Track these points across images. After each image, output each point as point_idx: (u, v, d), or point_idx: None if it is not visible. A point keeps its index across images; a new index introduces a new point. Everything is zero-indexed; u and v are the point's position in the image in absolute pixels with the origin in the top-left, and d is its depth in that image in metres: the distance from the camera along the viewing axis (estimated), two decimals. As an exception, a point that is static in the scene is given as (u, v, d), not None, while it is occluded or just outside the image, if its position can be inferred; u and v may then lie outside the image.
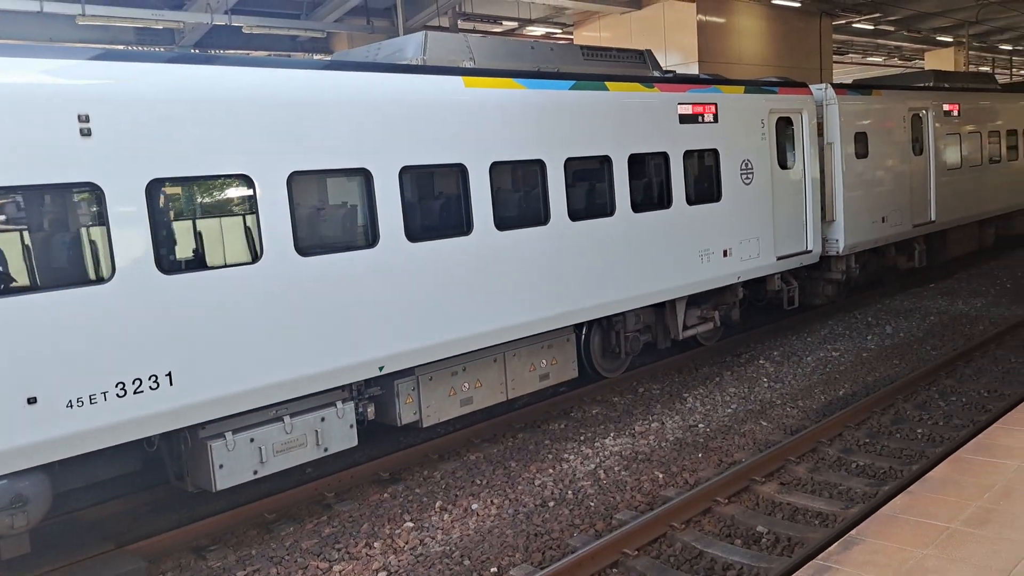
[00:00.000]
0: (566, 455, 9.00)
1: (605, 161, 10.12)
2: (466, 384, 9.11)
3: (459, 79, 8.76)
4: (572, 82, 9.87)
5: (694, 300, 11.84)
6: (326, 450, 7.81)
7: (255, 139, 7.15)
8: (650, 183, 10.87)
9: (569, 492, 8.05)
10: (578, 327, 10.44)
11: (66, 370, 6.13)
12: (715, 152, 11.66)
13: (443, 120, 8.49)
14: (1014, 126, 19.94)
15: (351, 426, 7.99)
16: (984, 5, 25.86)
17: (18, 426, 5.94)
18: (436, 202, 8.82)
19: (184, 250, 6.93)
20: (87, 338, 6.22)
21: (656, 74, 11.33)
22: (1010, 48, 39.81)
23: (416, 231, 8.32)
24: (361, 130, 7.85)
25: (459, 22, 21.70)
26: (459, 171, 8.67)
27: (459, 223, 8.70)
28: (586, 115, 9.91)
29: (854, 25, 28.32)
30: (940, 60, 37.19)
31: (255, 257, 7.18)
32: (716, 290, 12.05)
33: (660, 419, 9.99)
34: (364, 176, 7.91)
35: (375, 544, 7.22)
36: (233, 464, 7.16)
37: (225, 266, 7.05)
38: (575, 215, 9.78)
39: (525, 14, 24.49)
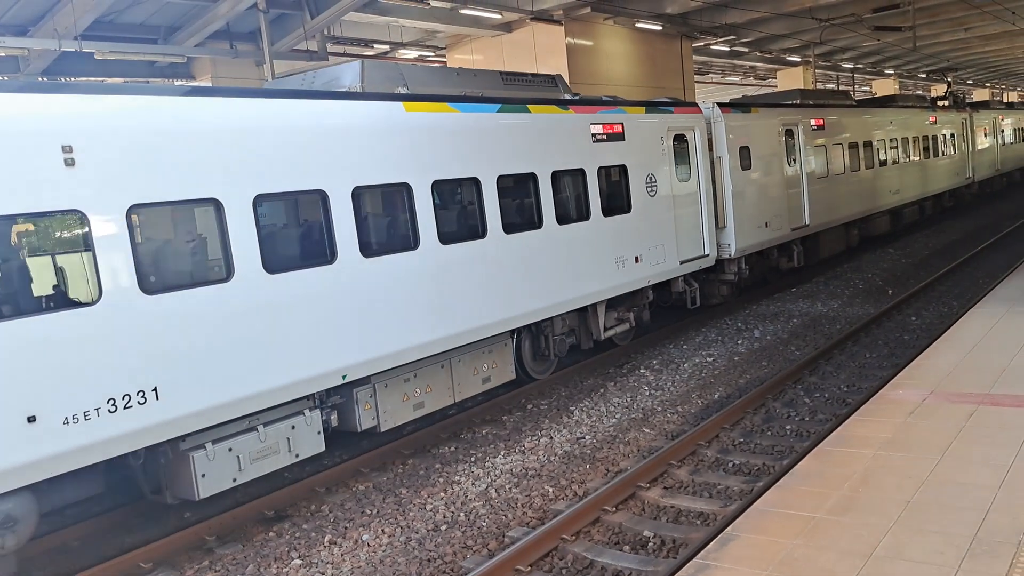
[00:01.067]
0: (457, 477, 9.00)
1: (531, 178, 10.93)
2: (418, 389, 9.64)
3: (400, 104, 9.36)
4: (499, 105, 10.65)
5: (611, 304, 12.76)
6: (297, 456, 8.27)
7: (225, 165, 7.59)
8: (570, 197, 11.73)
9: (461, 514, 8.05)
10: (513, 332, 11.05)
11: (62, 388, 6.40)
12: (624, 168, 12.63)
13: (388, 142, 9.08)
14: (868, 138, 22.07)
15: (318, 432, 8.47)
16: (827, 27, 27.87)
17: (18, 444, 6.18)
18: (385, 219, 9.42)
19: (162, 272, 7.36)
20: (80, 357, 6.50)
21: (567, 96, 12.10)
22: (851, 66, 43.01)
23: (369, 247, 8.83)
24: (317, 154, 8.34)
25: (328, 46, 21.45)
26: (405, 189, 9.20)
27: (407, 239, 9.26)
28: (513, 135, 10.71)
29: (712, 47, 29.90)
30: (791, 78, 39.80)
31: (228, 275, 7.57)
32: (630, 293, 13.02)
33: (548, 434, 10.15)
34: (321, 196, 8.35)
35: (262, 585, 6.98)
36: (214, 473, 7.55)
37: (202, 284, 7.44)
38: (509, 228, 10.51)
39: (397, 37, 24.50)
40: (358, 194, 8.67)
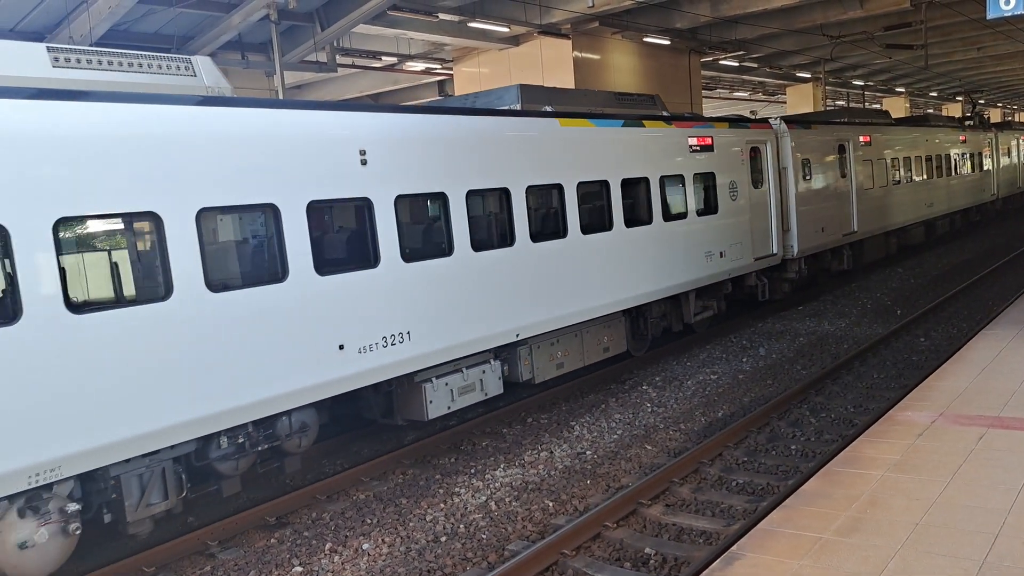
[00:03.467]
0: (457, 489, 8.94)
1: (644, 182, 12.99)
2: (559, 352, 11.61)
3: (556, 120, 11.55)
4: (622, 121, 12.73)
5: (699, 293, 14.61)
6: (486, 394, 10.39)
7: (450, 166, 9.78)
8: (672, 199, 13.68)
9: (461, 526, 7.99)
10: (625, 312, 12.87)
11: (358, 327, 8.58)
12: (712, 175, 14.67)
13: (548, 150, 11.23)
14: (907, 154, 23.61)
15: (499, 377, 10.60)
16: (838, 44, 27.90)
17: (333, 365, 8.32)
18: (544, 213, 11.30)
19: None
20: (369, 303, 8.70)
21: (665, 114, 13.92)
22: (862, 83, 43.04)
23: (536, 235, 10.95)
24: (500, 160, 10.49)
25: (338, 57, 21.54)
26: (558, 189, 11.35)
27: (558, 231, 11.31)
28: (632, 146, 12.79)
29: (720, 62, 29.94)
30: (800, 95, 39.80)
31: (449, 251, 9.73)
32: (714, 284, 14.88)
33: (549, 448, 10.09)
34: (505, 193, 10.54)
35: (260, 594, 6.93)
36: (437, 400, 9.71)
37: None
38: (628, 223, 12.48)
39: (405, 50, 24.60)
40: (529, 192, 10.79)
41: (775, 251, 16.56)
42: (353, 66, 25.32)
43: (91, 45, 17.08)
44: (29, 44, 7.18)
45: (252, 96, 10.39)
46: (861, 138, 20.62)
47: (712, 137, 14.64)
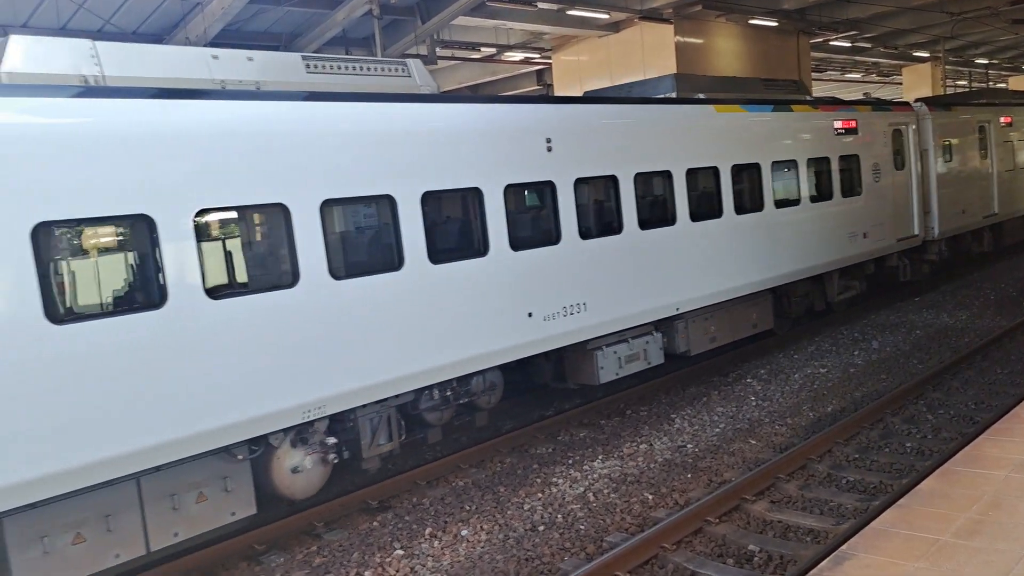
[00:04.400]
0: (555, 479, 8.93)
1: (793, 164, 13.45)
2: (712, 327, 12.18)
3: (711, 107, 12.16)
4: (771, 106, 13.34)
5: (842, 272, 14.90)
6: (648, 363, 11.17)
7: (621, 150, 10.58)
8: (819, 180, 14.01)
9: (559, 516, 7.98)
10: (771, 290, 13.32)
11: (543, 296, 9.54)
12: (856, 157, 14.96)
13: (704, 136, 11.94)
14: None
15: (660, 348, 11.35)
16: (959, 21, 26.28)
17: (523, 330, 9.34)
18: (701, 194, 11.86)
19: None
20: (553, 275, 9.70)
21: (810, 98, 14.16)
22: (986, 62, 40.44)
23: (695, 215, 11.49)
24: (665, 143, 11.20)
25: (437, 50, 21.80)
26: (714, 172, 11.86)
27: (715, 210, 11.81)
28: (782, 130, 13.44)
29: (831, 43, 28.69)
30: (917, 76, 37.76)
31: (620, 229, 10.50)
32: (855, 265, 15.10)
33: (648, 440, 9.94)
34: (667, 176, 11.13)
35: (365, 573, 7.12)
36: (607, 367, 10.59)
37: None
38: (778, 204, 12.99)
39: (503, 40, 24.68)
40: (689, 175, 11.40)
41: (916, 232, 16.72)
42: (452, 58, 25.60)
43: (205, 45, 17.87)
44: (288, 55, 8.43)
45: (454, 94, 11.32)
46: (1002, 119, 20.28)
47: (856, 120, 14.95)
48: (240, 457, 7.35)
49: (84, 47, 6.86)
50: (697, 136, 11.78)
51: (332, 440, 8.07)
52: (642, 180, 10.88)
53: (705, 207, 11.77)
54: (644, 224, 10.80)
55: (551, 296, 9.64)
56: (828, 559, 5.33)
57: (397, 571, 7.13)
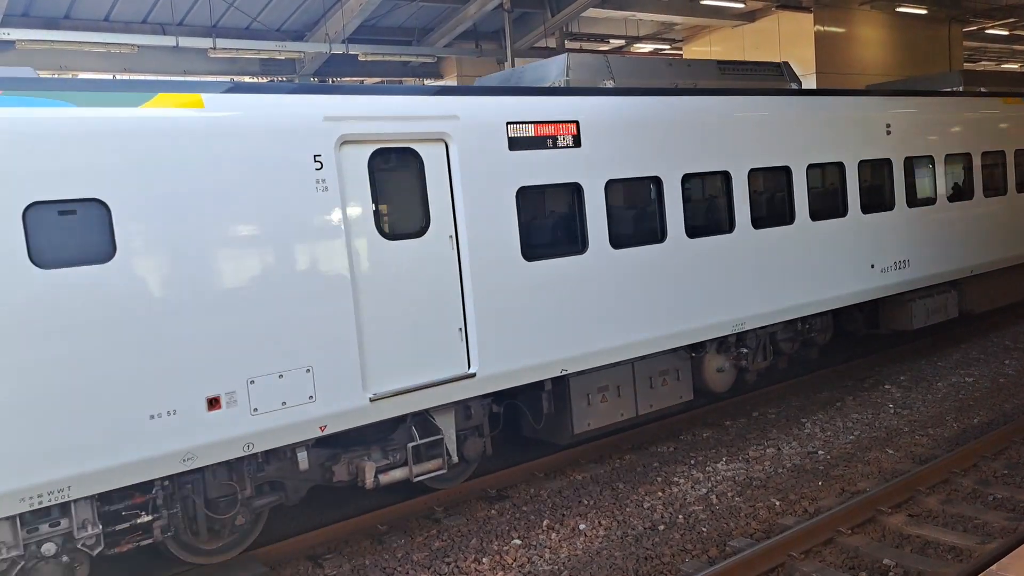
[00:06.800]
0: (676, 478, 8.75)
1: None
2: (991, 290, 13.54)
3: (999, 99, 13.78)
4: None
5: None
6: (947, 315, 12.63)
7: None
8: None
9: (680, 516, 7.81)
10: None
11: (879, 253, 11.56)
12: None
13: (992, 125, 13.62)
14: None
15: (956, 304, 12.90)
16: None
17: (868, 279, 11.37)
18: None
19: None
20: (888, 233, 11.76)
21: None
22: None
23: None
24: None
25: (566, 42, 21.76)
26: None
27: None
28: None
29: (986, 31, 26.72)
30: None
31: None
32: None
33: (776, 444, 9.58)
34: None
35: (484, 560, 7.21)
36: (918, 315, 12.22)
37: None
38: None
39: (633, 31, 24.36)
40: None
41: None
42: (581, 50, 25.50)
43: (343, 41, 18.56)
44: (706, 61, 10.72)
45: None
46: None
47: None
48: (692, 355, 9.84)
49: (602, 62, 9.66)
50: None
51: (744, 350, 10.25)
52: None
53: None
54: (952, 198, 12.73)
55: (884, 253, 11.46)
56: (976, 580, 4.96)
57: (514, 560, 7.18)
